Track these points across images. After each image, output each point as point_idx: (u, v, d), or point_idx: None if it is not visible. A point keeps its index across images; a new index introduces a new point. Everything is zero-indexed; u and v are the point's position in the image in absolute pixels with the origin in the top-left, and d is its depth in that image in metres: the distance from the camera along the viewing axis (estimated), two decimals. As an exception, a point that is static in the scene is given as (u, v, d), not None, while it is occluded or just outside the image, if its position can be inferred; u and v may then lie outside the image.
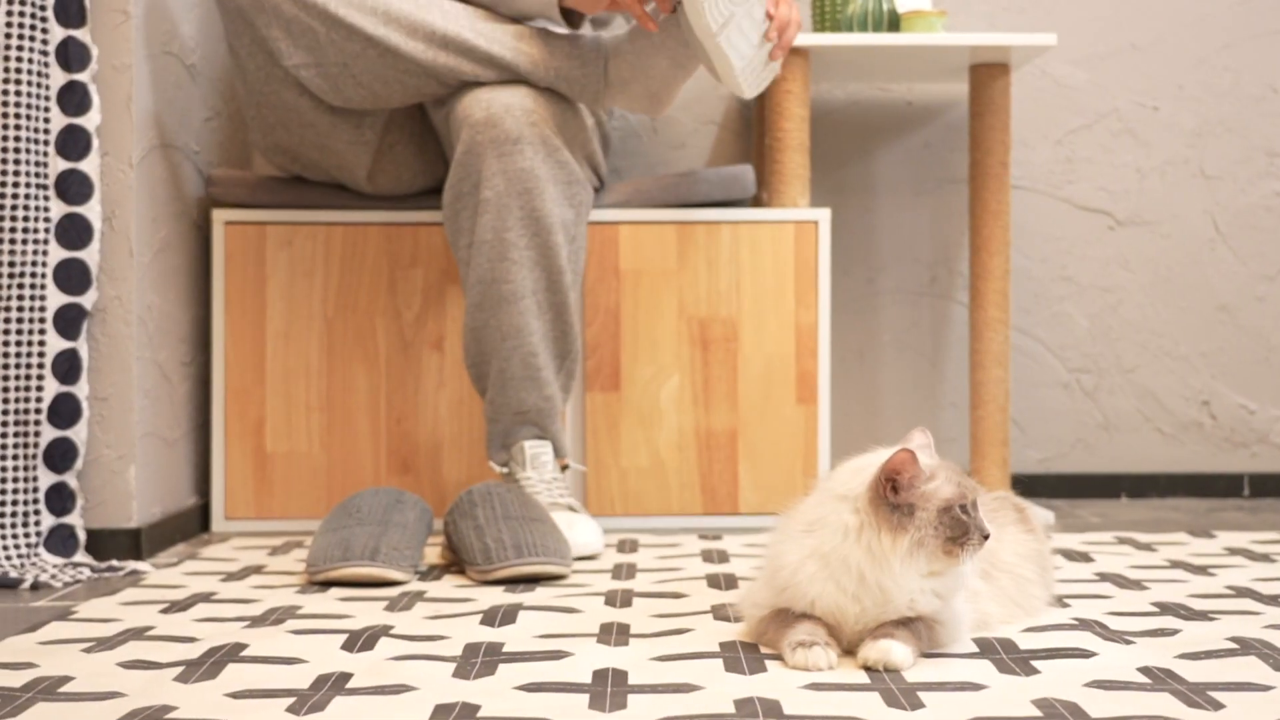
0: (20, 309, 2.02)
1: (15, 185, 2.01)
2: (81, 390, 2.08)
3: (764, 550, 1.57)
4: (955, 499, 1.43)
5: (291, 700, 1.32)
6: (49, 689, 1.36)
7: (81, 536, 2.08)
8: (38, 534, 2.04)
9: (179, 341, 2.37)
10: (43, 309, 2.04)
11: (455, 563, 2.05)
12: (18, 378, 2.02)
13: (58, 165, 2.06)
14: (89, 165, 2.08)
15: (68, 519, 2.07)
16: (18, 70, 2.00)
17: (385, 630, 1.61)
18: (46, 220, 2.05)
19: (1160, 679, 1.37)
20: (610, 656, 1.48)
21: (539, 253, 2.19)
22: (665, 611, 1.71)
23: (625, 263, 2.48)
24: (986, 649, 1.50)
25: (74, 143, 2.06)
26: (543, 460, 2.22)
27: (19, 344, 2.03)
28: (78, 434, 2.07)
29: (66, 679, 1.40)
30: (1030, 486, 2.84)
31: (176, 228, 2.36)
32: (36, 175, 2.03)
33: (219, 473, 2.44)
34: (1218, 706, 1.27)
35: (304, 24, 2.16)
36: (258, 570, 2.03)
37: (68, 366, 2.06)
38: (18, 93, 2.01)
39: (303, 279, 2.46)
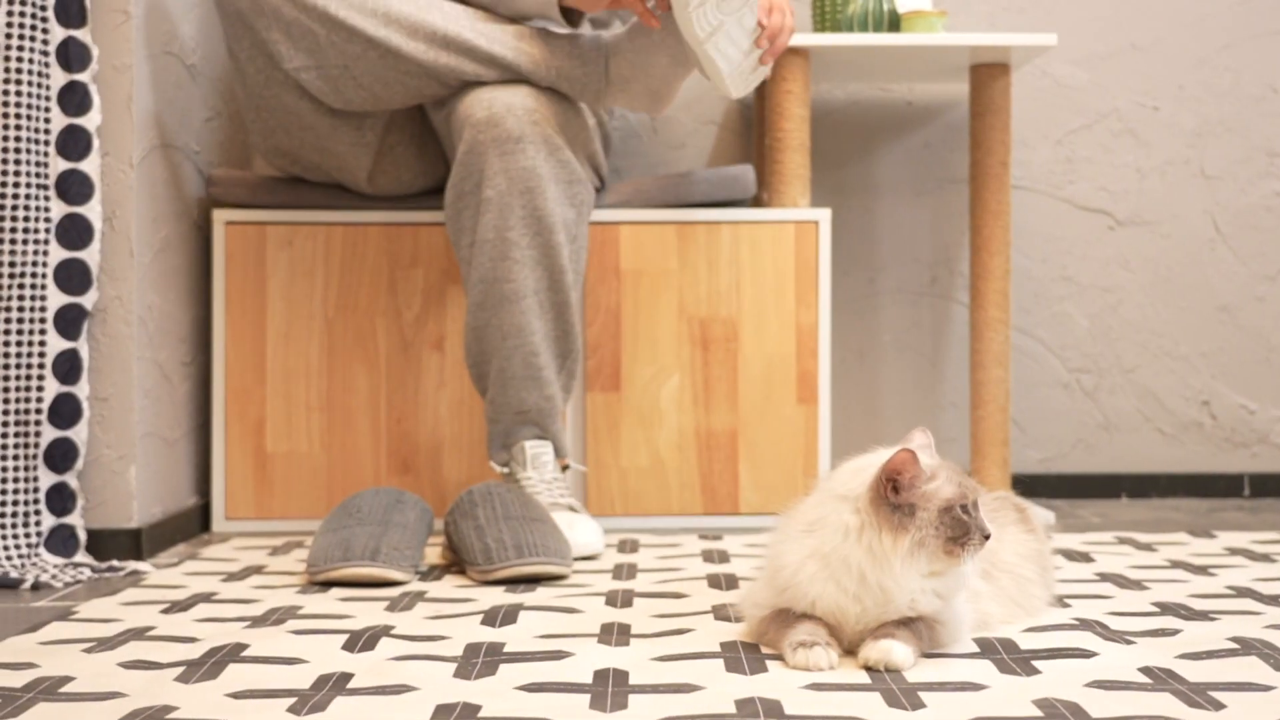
0: (21, 309, 2.02)
1: (16, 185, 2.01)
2: (82, 390, 2.08)
3: (764, 550, 1.57)
4: (956, 499, 1.43)
5: (292, 700, 1.32)
6: (50, 689, 1.36)
7: (82, 537, 2.08)
8: (38, 534, 2.04)
9: (179, 341, 2.37)
10: (43, 309, 2.04)
11: (456, 563, 2.05)
12: (18, 378, 2.02)
13: (58, 165, 2.06)
14: (89, 165, 2.08)
15: (68, 519, 2.07)
16: (18, 70, 2.01)
17: (386, 630, 1.61)
18: (47, 220, 2.05)
19: (1161, 679, 1.37)
20: (611, 657, 1.48)
21: (541, 252, 2.19)
22: (666, 612, 1.71)
23: (626, 263, 2.48)
24: (987, 649, 1.50)
25: (74, 143, 2.06)
26: (543, 460, 2.22)
27: (19, 344, 2.03)
28: (78, 434, 2.07)
29: (67, 679, 1.40)
30: (1030, 486, 2.84)
31: (177, 228, 2.36)
32: (37, 175, 2.03)
33: (219, 473, 2.44)
34: (1219, 707, 1.28)
35: (304, 26, 2.16)
36: (258, 570, 2.03)
37: (68, 367, 2.06)
38: (18, 93, 2.01)
39: (303, 279, 2.46)
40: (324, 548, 1.92)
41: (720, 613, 1.69)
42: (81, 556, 2.06)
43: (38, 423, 2.04)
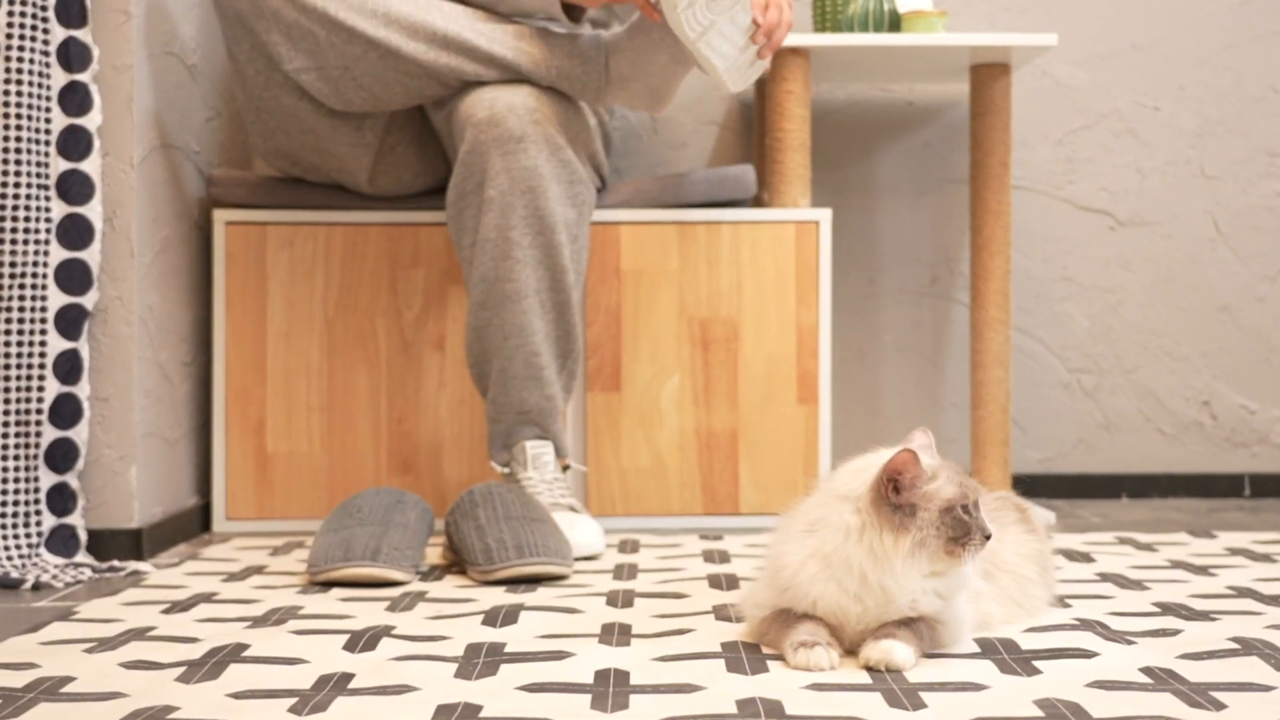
0: (21, 309, 2.02)
1: (16, 185, 2.01)
2: (82, 390, 2.08)
3: (765, 550, 1.57)
4: (957, 499, 1.43)
5: (294, 700, 1.32)
6: (51, 689, 1.36)
7: (83, 537, 2.08)
8: (39, 534, 2.04)
9: (180, 342, 2.37)
10: (44, 309, 2.04)
11: (456, 563, 2.05)
12: (19, 378, 2.02)
13: (59, 165, 2.06)
14: (90, 165, 2.08)
15: (69, 519, 2.07)
16: (19, 70, 2.01)
17: (387, 630, 1.61)
18: (48, 220, 2.05)
19: (1162, 679, 1.37)
20: (612, 657, 1.48)
21: (542, 252, 2.19)
22: (667, 612, 1.71)
23: (626, 263, 2.48)
24: (988, 649, 1.50)
25: (75, 143, 2.06)
26: (544, 460, 2.22)
27: (20, 344, 2.03)
28: (79, 434, 2.07)
29: (68, 679, 1.40)
30: (1031, 487, 2.84)
31: (177, 228, 2.36)
32: (38, 175, 2.03)
33: (220, 473, 2.44)
34: (1220, 707, 1.28)
35: (304, 28, 2.16)
36: (259, 570, 2.03)
37: (69, 367, 2.06)
38: (19, 93, 2.01)
39: (303, 279, 2.46)
40: (325, 548, 1.92)
41: (721, 613, 1.70)
42: (82, 557, 2.06)
43: (38, 423, 2.04)
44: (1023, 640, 1.54)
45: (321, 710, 1.29)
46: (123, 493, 2.14)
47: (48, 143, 2.05)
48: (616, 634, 1.59)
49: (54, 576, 1.96)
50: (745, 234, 2.49)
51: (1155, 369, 2.94)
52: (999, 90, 2.61)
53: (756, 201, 2.64)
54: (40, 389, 2.04)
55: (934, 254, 2.93)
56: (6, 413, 2.02)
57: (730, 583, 1.89)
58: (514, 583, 1.93)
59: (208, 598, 1.83)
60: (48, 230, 2.05)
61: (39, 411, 2.04)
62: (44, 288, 2.04)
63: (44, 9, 2.03)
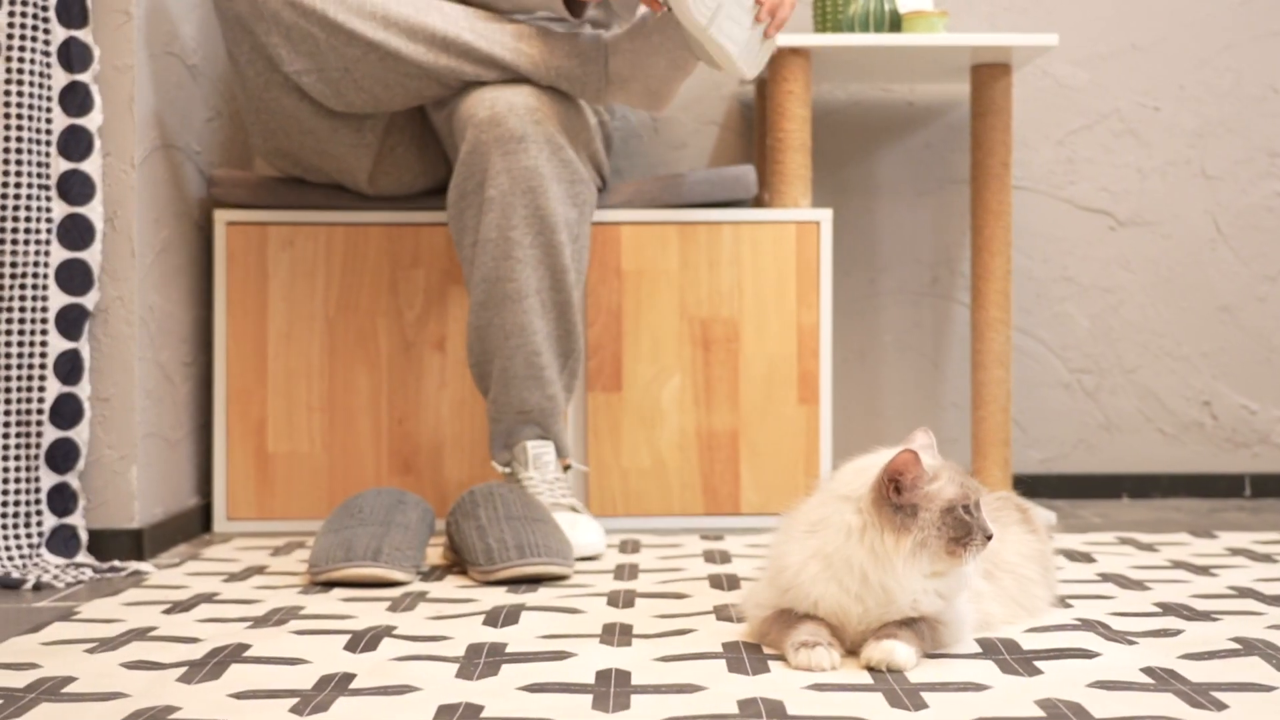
0: (22, 309, 2.02)
1: (17, 186, 2.01)
2: (83, 391, 2.08)
3: (766, 551, 1.57)
4: (958, 499, 1.43)
5: (295, 701, 1.32)
6: (52, 689, 1.36)
7: (83, 537, 2.08)
8: (40, 534, 2.04)
9: (181, 342, 2.37)
10: (44, 309, 2.04)
11: (457, 563, 2.05)
12: (19, 378, 2.02)
13: (60, 166, 2.06)
14: (91, 166, 2.08)
15: (70, 519, 2.07)
16: (19, 71, 2.01)
17: (388, 631, 1.61)
18: (48, 221, 2.05)
19: (1163, 679, 1.37)
20: (613, 657, 1.48)
21: (543, 251, 2.19)
22: (668, 612, 1.71)
23: (627, 263, 2.48)
24: (989, 649, 1.50)
25: (76, 143, 2.06)
26: (545, 460, 2.22)
27: (21, 344, 2.03)
28: (80, 434, 2.07)
29: (69, 679, 1.40)
30: (1032, 487, 2.84)
31: (178, 228, 2.36)
32: (38, 176, 2.03)
33: (220, 473, 2.44)
34: (1221, 707, 1.27)
35: (303, 30, 2.16)
36: (260, 571, 2.03)
37: (69, 367, 2.06)
38: (19, 93, 2.01)
39: (304, 279, 2.46)
40: (326, 548, 1.92)
41: (722, 613, 1.70)
42: (83, 557, 2.06)
43: (39, 423, 2.04)
44: (1024, 640, 1.54)
45: (323, 710, 1.29)
46: (124, 493, 2.14)
47: (48, 143, 2.05)
48: (618, 634, 1.59)
49: (55, 577, 1.96)
50: (746, 234, 2.49)
51: (1156, 369, 2.94)
52: (1000, 90, 2.61)
53: (757, 202, 2.64)
54: (41, 389, 2.04)
55: (935, 254, 2.93)
56: (7, 413, 2.02)
57: (731, 583, 1.89)
58: (515, 583, 1.93)
59: (209, 598, 1.83)
60: (48, 230, 2.05)
61: (40, 412, 2.04)
62: (45, 288, 2.04)
63: (45, 9, 2.03)
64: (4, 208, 2.00)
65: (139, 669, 1.45)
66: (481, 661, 1.46)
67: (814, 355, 2.48)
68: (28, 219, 2.02)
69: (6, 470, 2.01)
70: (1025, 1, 2.93)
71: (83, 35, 2.07)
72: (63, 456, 2.06)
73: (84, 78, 2.07)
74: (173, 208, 2.33)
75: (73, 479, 2.07)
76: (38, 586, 1.93)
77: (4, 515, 2.01)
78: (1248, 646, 1.50)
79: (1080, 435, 2.94)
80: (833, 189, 2.92)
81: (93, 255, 2.08)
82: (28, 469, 2.03)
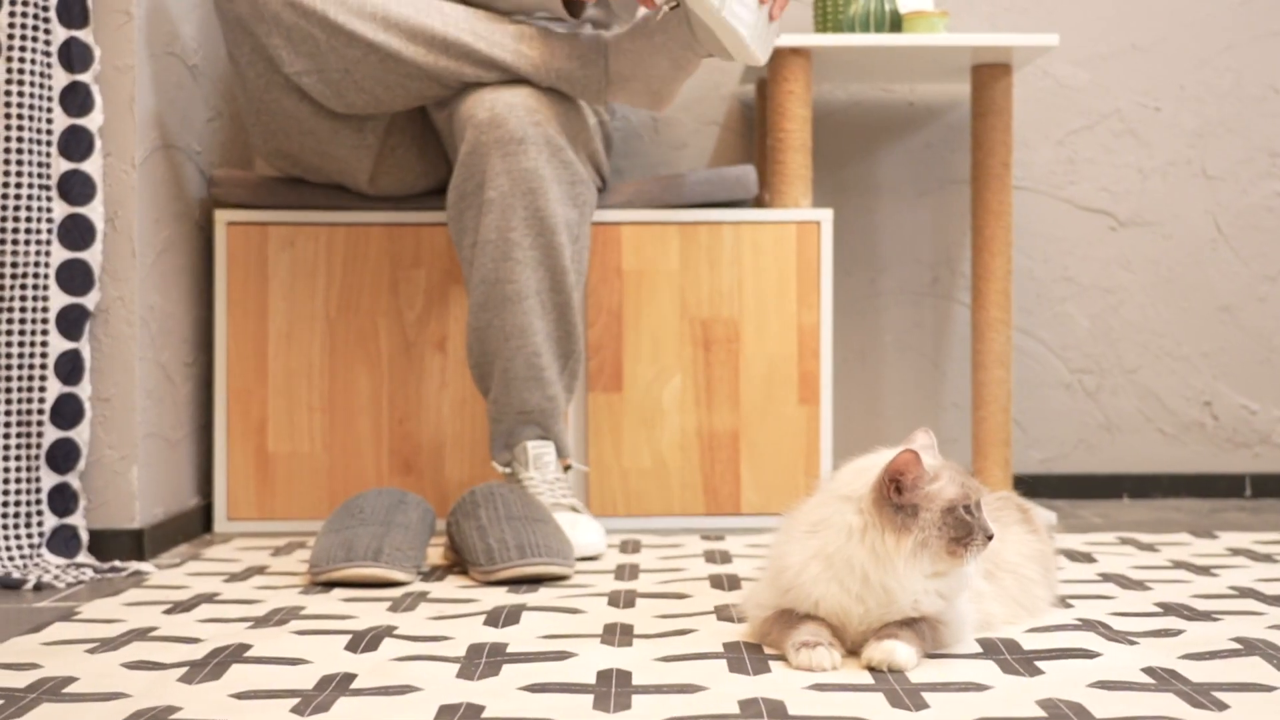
0: (23, 310, 2.02)
1: (18, 186, 2.01)
2: (84, 391, 2.08)
3: (767, 551, 1.57)
4: (959, 499, 1.43)
5: (296, 701, 1.32)
6: (53, 689, 1.36)
7: (84, 537, 2.08)
8: (40, 535, 2.04)
9: (181, 342, 2.37)
10: (45, 310, 2.04)
11: (458, 563, 2.05)
12: (20, 378, 2.03)
13: (60, 166, 2.06)
14: (91, 166, 2.08)
15: (70, 520, 2.07)
16: (20, 71, 2.01)
17: (389, 631, 1.61)
18: (49, 221, 2.05)
19: (1164, 679, 1.37)
20: (614, 657, 1.48)
21: (543, 253, 2.19)
22: (668, 612, 1.71)
23: (627, 263, 2.48)
24: (990, 649, 1.50)
25: (76, 143, 2.06)
26: (545, 460, 2.22)
27: (21, 344, 2.03)
28: (80, 435, 2.07)
29: (70, 680, 1.40)
30: (1032, 487, 2.84)
31: (179, 228, 2.36)
32: (39, 176, 2.03)
33: (221, 473, 2.44)
34: (1222, 707, 1.28)
35: (304, 31, 2.16)
36: (260, 571, 2.03)
37: (70, 367, 2.06)
38: (20, 93, 2.01)
39: (305, 279, 2.46)
40: (326, 548, 1.92)
41: (723, 613, 1.69)
42: (84, 557, 2.06)
43: (40, 423, 2.04)
44: (1025, 640, 1.54)
45: (324, 710, 1.29)
46: (124, 493, 2.14)
47: (49, 143, 2.05)
48: (618, 634, 1.59)
49: (55, 577, 1.96)
50: (746, 234, 2.49)
51: (1156, 369, 2.94)
52: (1000, 90, 2.61)
53: (758, 202, 2.64)
54: (42, 389, 2.04)
55: (935, 254, 2.93)
56: (8, 413, 2.02)
57: (732, 583, 1.89)
58: (516, 583, 1.93)
59: (209, 598, 1.83)
60: (49, 230, 2.05)
61: (40, 412, 2.04)
62: (45, 288, 2.04)
63: (45, 9, 2.03)
64: (5, 208, 2.00)
65: (140, 669, 1.45)
66: (482, 661, 1.46)
67: (814, 355, 2.48)
68: (28, 219, 2.02)
69: (7, 470, 2.01)
70: (1026, 2, 2.93)
71: (83, 35, 2.07)
72: (63, 457, 2.06)
73: (85, 78, 2.07)
74: (173, 208, 2.33)
75: (73, 479, 2.07)
76: (38, 587, 1.93)
77: (5, 515, 2.01)
78: (1249, 646, 1.50)
79: (1081, 435, 2.94)
80: (833, 189, 2.92)
81: (93, 255, 2.08)
82: (28, 469, 2.03)
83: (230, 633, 1.61)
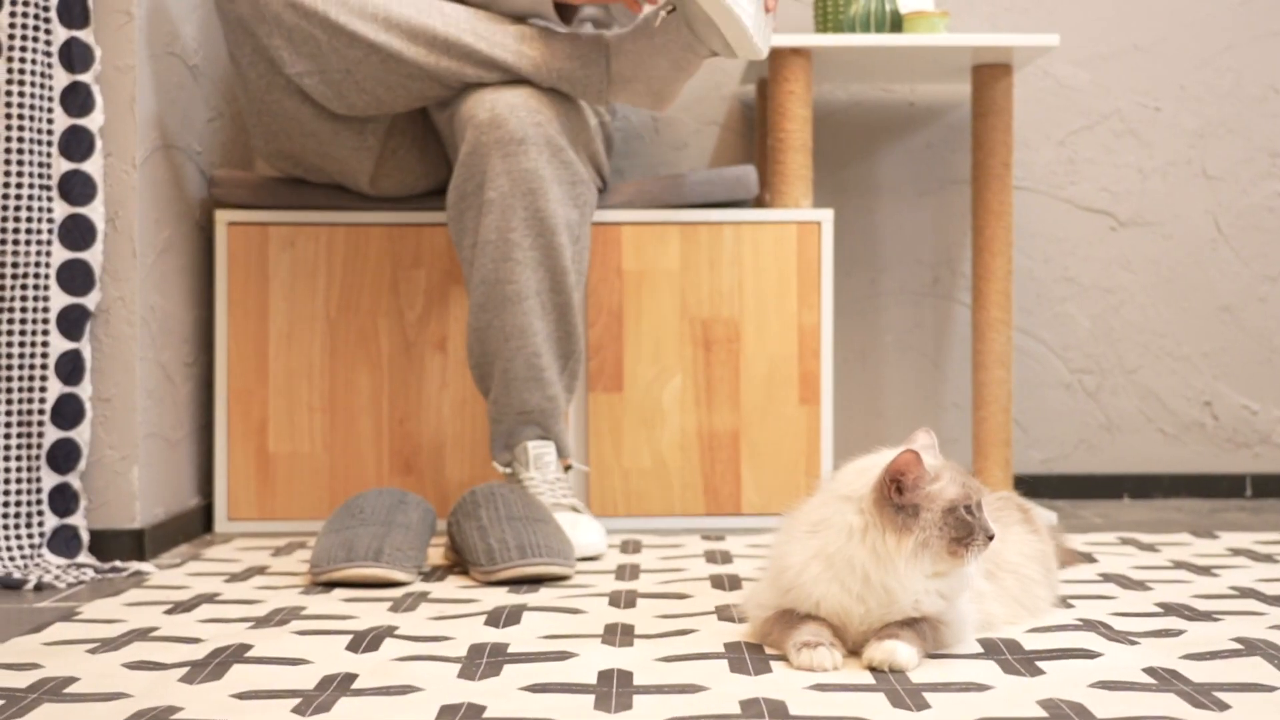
0: (23, 310, 2.02)
1: (19, 186, 2.01)
2: (84, 391, 2.08)
3: (768, 551, 1.57)
4: (960, 499, 1.43)
5: (297, 701, 1.32)
6: (54, 690, 1.36)
7: (85, 537, 2.08)
8: (41, 535, 2.04)
9: (182, 342, 2.37)
10: (46, 310, 2.04)
11: (458, 563, 2.05)
12: (21, 378, 2.03)
13: (61, 166, 2.06)
14: (92, 166, 2.08)
15: (71, 520, 2.07)
16: (21, 71, 2.01)
17: (390, 631, 1.61)
18: (50, 221, 2.05)
19: (1165, 680, 1.37)
20: (615, 657, 1.48)
21: (543, 253, 2.19)
22: (669, 612, 1.71)
23: (628, 263, 2.48)
24: (991, 649, 1.50)
25: (77, 143, 2.06)
26: (546, 461, 2.22)
27: (22, 345, 2.03)
28: (81, 435, 2.07)
29: (71, 680, 1.40)
30: (1033, 487, 2.84)
31: (179, 228, 2.36)
32: (40, 176, 2.03)
33: (222, 473, 2.44)
34: (1223, 707, 1.28)
35: (305, 32, 2.16)
36: (261, 571, 2.03)
37: (71, 367, 2.06)
38: (21, 93, 2.01)
39: (305, 280, 2.46)
40: (327, 548, 1.92)
41: (724, 613, 1.70)
42: (84, 557, 2.06)
43: (40, 423, 2.04)
44: (1026, 641, 1.54)
45: (325, 710, 1.29)
46: (125, 493, 2.14)
47: (50, 143, 2.05)
48: (619, 634, 1.59)
49: (56, 577, 1.96)
50: (747, 234, 2.49)
51: (1157, 369, 2.94)
52: (1001, 91, 2.61)
53: (758, 202, 2.64)
54: (42, 389, 2.04)
55: (935, 254, 2.93)
56: (9, 413, 2.02)
57: (733, 583, 1.89)
58: (516, 583, 1.93)
59: (210, 598, 1.83)
60: (50, 231, 2.05)
61: (41, 412, 2.04)
62: (46, 288, 2.04)
63: (46, 9, 2.03)
64: (5, 208, 2.00)
65: (141, 669, 1.45)
66: (483, 662, 1.46)
67: (815, 355, 2.48)
68: (29, 219, 2.02)
69: (8, 470, 2.01)
70: (1026, 2, 2.93)
71: (84, 35, 2.07)
72: (64, 457, 2.06)
73: (85, 78, 2.07)
74: (174, 208, 2.33)
75: (74, 479, 2.07)
76: (39, 587, 1.93)
77: (5, 515, 2.01)
78: (1249, 647, 1.50)
79: (1081, 435, 2.94)
80: (834, 189, 2.92)
81: (94, 255, 2.08)
82: (29, 469, 2.03)
83: (231, 633, 1.61)
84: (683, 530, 2.44)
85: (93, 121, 2.08)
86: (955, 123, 2.94)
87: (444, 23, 2.18)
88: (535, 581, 1.93)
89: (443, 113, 2.32)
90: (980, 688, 1.35)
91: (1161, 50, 2.94)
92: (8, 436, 2.02)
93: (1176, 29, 2.94)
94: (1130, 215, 2.94)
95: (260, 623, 1.67)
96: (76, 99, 2.06)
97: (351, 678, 1.40)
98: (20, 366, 2.02)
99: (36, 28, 2.02)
